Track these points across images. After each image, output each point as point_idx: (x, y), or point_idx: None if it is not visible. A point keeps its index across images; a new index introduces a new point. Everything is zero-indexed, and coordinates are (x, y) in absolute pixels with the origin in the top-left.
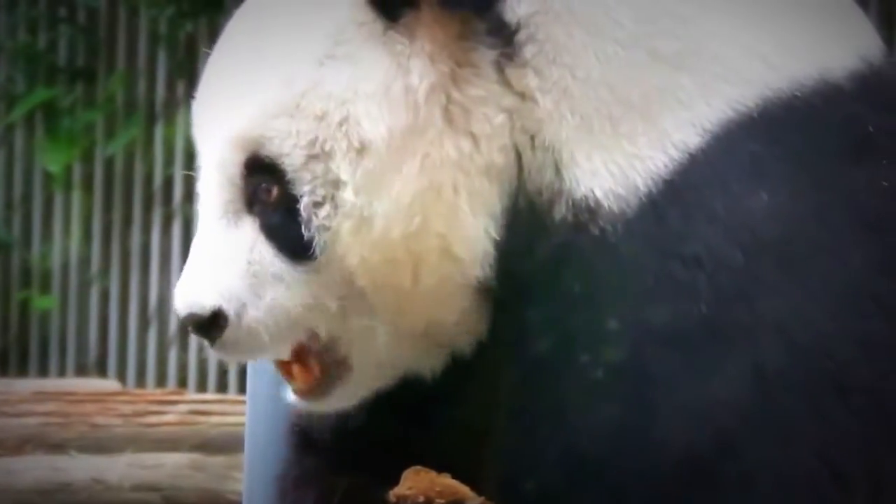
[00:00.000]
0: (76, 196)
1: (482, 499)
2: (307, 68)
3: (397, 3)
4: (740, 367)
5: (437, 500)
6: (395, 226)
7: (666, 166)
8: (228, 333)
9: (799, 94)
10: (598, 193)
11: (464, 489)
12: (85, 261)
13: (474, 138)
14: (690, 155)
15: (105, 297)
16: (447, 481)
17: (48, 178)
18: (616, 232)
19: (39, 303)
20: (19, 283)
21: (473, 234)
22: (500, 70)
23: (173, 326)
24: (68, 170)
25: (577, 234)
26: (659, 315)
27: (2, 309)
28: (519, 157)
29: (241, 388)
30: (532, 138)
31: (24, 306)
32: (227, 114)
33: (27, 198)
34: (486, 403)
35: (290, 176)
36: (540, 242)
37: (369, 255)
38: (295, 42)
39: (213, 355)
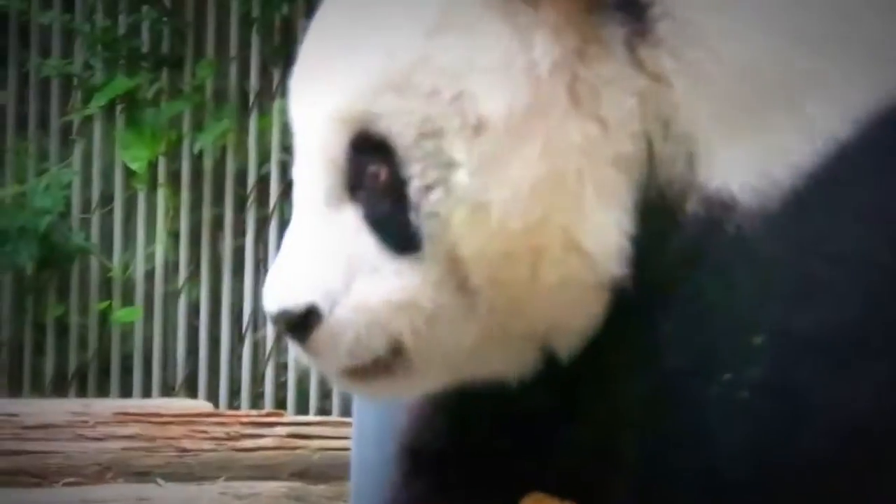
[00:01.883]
0: (161, 196)
1: None
2: (416, 40)
3: None
4: (892, 375)
5: None
6: (514, 214)
7: (811, 159)
8: (320, 337)
9: None
10: (735, 188)
11: None
12: (171, 268)
13: (602, 122)
14: (838, 146)
15: (194, 308)
16: None
17: (130, 175)
18: (754, 229)
19: (121, 315)
20: (99, 294)
21: (603, 228)
22: (632, 49)
23: (269, 340)
24: (152, 167)
25: (710, 231)
26: (802, 320)
27: (80, 322)
28: (650, 145)
29: (345, 410)
30: (665, 125)
31: (104, 319)
32: (329, 89)
33: (106, 198)
34: (610, 420)
35: (400, 156)
36: (669, 240)
37: (485, 246)
38: (401, 11)
39: (310, 365)
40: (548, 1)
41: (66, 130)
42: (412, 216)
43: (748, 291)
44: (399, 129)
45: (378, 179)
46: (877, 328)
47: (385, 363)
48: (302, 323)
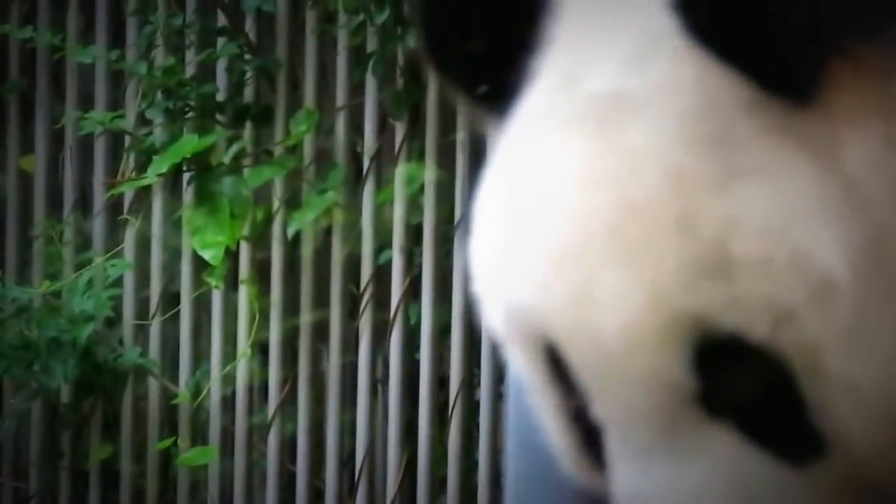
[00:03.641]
0: (243, 295)
1: None
2: (715, 199)
3: (805, 79)
4: None
5: None
6: (894, 385)
7: None
8: None
9: None
10: None
11: None
12: (258, 393)
13: None
14: None
15: (288, 446)
16: None
17: (201, 268)
18: None
19: (190, 457)
20: (160, 429)
21: None
22: None
23: (391, 486)
24: (231, 256)
25: None
26: None
27: (136, 465)
28: None
29: None
30: None
31: (167, 462)
32: (622, 289)
33: (170, 299)
34: None
35: (764, 354)
36: None
37: (874, 434)
38: (669, 159)
39: None
40: (835, 90)
41: (114, 208)
42: (808, 420)
43: None
44: (747, 322)
45: (752, 390)
46: None
47: None
48: None
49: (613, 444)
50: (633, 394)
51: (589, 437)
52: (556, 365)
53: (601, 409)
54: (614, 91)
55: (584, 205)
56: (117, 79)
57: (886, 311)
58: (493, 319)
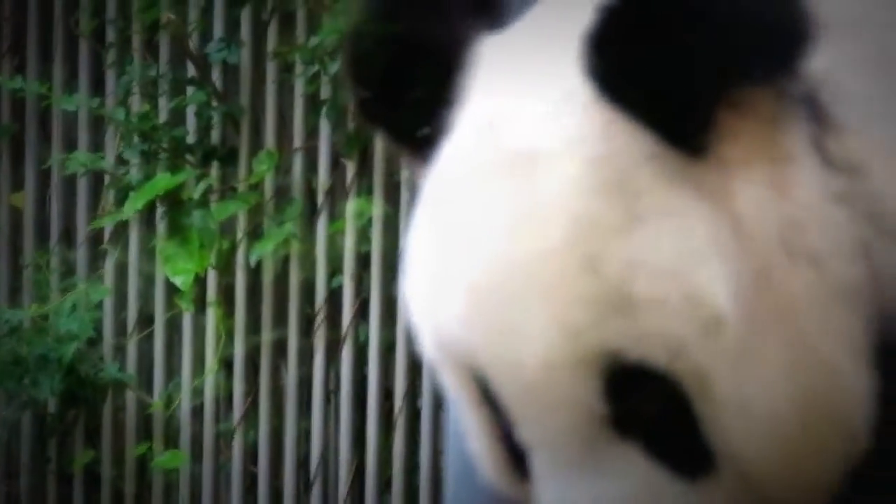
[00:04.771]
0: (210, 317)
1: None
2: (619, 242)
3: (699, 130)
4: None
5: None
6: (780, 407)
7: None
8: None
9: None
10: None
11: None
12: (223, 404)
13: (816, 260)
14: None
15: (251, 452)
16: None
17: (173, 293)
18: None
19: (164, 461)
20: (136, 436)
21: (856, 390)
22: (819, 147)
23: (342, 488)
24: (200, 282)
25: None
26: None
27: (114, 471)
28: (869, 253)
29: None
30: (876, 221)
31: (143, 466)
32: (539, 326)
33: (145, 321)
34: None
35: (663, 380)
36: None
37: (766, 451)
38: (578, 206)
39: None
40: (727, 139)
41: (95, 239)
42: (701, 439)
43: None
44: (649, 353)
45: (654, 413)
46: None
47: None
48: None
49: (537, 463)
50: (553, 419)
51: (514, 454)
52: (484, 390)
53: (525, 433)
54: (529, 143)
55: (503, 248)
56: (98, 124)
57: (772, 337)
58: (427, 346)
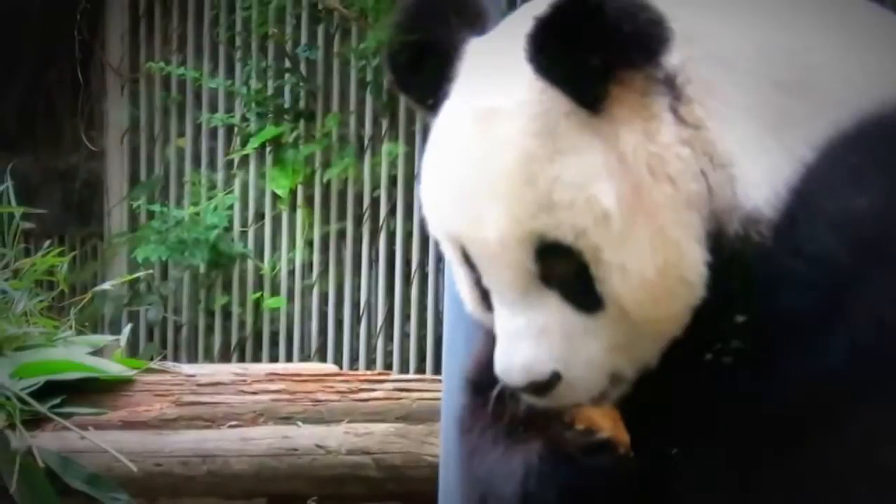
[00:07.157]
0: (299, 214)
1: (626, 446)
2: (546, 167)
3: (597, 97)
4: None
5: (600, 434)
6: (647, 270)
7: (793, 177)
8: (559, 389)
9: (885, 113)
10: (761, 203)
11: (622, 434)
12: (307, 268)
13: (672, 179)
14: (807, 168)
15: (324, 297)
16: (614, 415)
17: (276, 199)
18: (769, 237)
19: (270, 303)
20: (253, 287)
21: (695, 261)
22: (674, 111)
23: (380, 321)
24: (293, 193)
25: (745, 243)
26: (785, 305)
27: (239, 309)
28: (706, 177)
29: (437, 370)
30: (711, 158)
31: (258, 306)
32: (496, 217)
33: (259, 217)
34: (669, 388)
35: (571, 252)
36: (722, 256)
37: (637, 296)
38: (521, 143)
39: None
40: (617, 103)
41: (229, 166)
42: (595, 288)
43: (769, 289)
44: (563, 235)
45: (562, 271)
46: (837, 311)
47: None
48: (545, 385)
49: (494, 301)
50: (504, 274)
51: (483, 295)
52: (465, 255)
53: (487, 281)
54: (492, 103)
55: (476, 169)
56: (231, 96)
57: (642, 226)
58: (433, 229)
